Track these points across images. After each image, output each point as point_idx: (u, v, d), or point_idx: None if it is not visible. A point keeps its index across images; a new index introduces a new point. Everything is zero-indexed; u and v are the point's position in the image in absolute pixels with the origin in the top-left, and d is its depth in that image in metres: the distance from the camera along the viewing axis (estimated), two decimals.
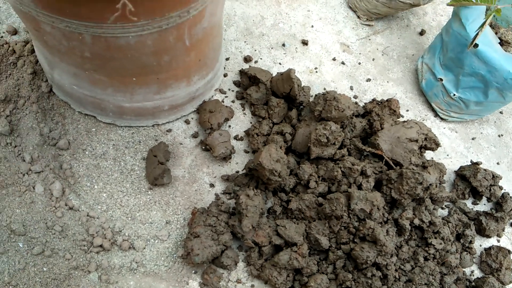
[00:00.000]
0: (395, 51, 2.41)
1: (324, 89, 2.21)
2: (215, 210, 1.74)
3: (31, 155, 1.73)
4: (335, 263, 1.74)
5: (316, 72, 2.24)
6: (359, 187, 1.80)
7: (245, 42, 2.23)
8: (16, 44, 1.87)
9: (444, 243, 1.83)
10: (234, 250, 1.77)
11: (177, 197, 1.83)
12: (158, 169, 1.78)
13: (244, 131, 2.01)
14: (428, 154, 2.13)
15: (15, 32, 1.95)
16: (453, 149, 2.21)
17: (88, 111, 1.82)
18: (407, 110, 2.25)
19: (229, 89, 2.09)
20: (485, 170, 2.01)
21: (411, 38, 2.47)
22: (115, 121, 1.84)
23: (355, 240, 1.73)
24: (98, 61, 1.45)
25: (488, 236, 2.00)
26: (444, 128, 2.26)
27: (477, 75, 1.99)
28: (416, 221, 1.80)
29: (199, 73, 1.77)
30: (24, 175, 1.71)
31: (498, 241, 2.04)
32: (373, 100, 2.10)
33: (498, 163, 2.23)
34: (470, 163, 2.14)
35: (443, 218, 1.93)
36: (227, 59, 2.16)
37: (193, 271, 1.73)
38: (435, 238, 1.83)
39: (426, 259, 1.82)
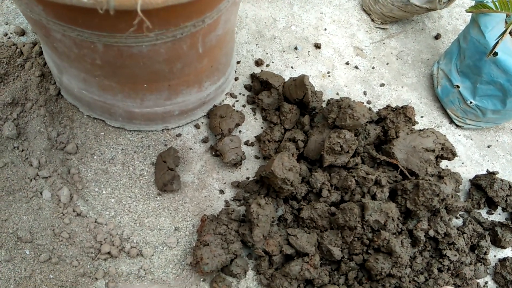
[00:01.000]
0: (410, 55, 2.36)
1: (337, 94, 2.16)
2: (225, 218, 1.71)
3: (38, 160, 1.70)
4: (348, 274, 1.70)
5: (329, 76, 2.19)
6: (373, 197, 1.76)
7: (256, 45, 2.19)
8: (24, 46, 1.84)
9: (459, 254, 1.79)
10: (244, 258, 1.73)
11: (186, 203, 1.79)
12: (167, 175, 1.74)
13: (255, 137, 1.97)
14: (443, 163, 2.08)
15: (23, 33, 1.92)
16: (468, 157, 2.16)
17: (97, 115, 1.79)
18: (422, 116, 2.20)
19: (240, 93, 2.05)
20: (501, 180, 1.97)
21: (426, 42, 2.41)
22: (124, 125, 1.80)
23: (368, 251, 1.69)
24: (109, 68, 1.42)
25: (503, 247, 1.96)
26: (459, 135, 2.21)
27: (496, 84, 1.94)
28: (431, 232, 1.75)
29: (210, 78, 1.73)
30: (31, 180, 1.68)
31: None
32: (388, 106, 2.05)
33: None
34: (485, 172, 2.09)
35: (458, 229, 1.89)
36: (238, 62, 2.12)
37: (201, 279, 1.69)
38: (450, 249, 1.79)
39: (440, 270, 1.78)
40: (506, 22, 1.89)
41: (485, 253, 1.89)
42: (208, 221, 1.70)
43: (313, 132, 1.88)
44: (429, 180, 1.70)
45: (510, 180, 2.07)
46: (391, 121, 1.95)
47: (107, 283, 1.62)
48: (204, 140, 1.91)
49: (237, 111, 1.94)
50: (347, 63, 2.25)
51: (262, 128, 2.00)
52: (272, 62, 2.16)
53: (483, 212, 2.04)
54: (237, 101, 2.03)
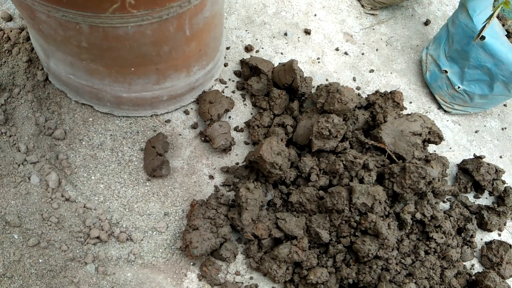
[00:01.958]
0: (399, 41, 2.36)
1: (327, 80, 2.16)
2: (214, 203, 1.72)
3: (26, 145, 1.70)
4: (335, 256, 1.72)
5: (319, 62, 2.20)
6: (361, 181, 1.77)
7: (246, 31, 2.18)
8: (11, 31, 1.82)
9: (445, 237, 1.82)
10: (233, 243, 1.75)
11: (175, 188, 1.80)
12: (156, 160, 1.75)
13: (245, 123, 1.97)
14: (431, 147, 2.09)
15: (10, 18, 1.90)
16: (456, 142, 2.18)
17: (85, 101, 1.78)
18: (410, 102, 2.21)
19: (229, 79, 2.05)
20: (488, 164, 1.99)
21: (416, 28, 2.42)
22: (112, 111, 1.80)
23: (356, 234, 1.71)
24: (96, 51, 1.41)
25: (490, 230, 1.99)
26: (447, 120, 2.23)
27: (483, 68, 1.95)
28: (418, 215, 1.78)
29: (199, 63, 1.73)
30: (19, 165, 1.67)
31: (499, 235, 2.02)
32: (376, 92, 2.06)
33: (501, 157, 2.20)
34: (473, 157, 2.11)
35: (444, 212, 1.91)
36: (227, 48, 2.11)
37: (191, 263, 1.71)
38: (437, 232, 1.81)
39: (427, 253, 1.81)
40: (493, 6, 1.90)
41: (472, 236, 1.91)
42: (198, 205, 1.71)
43: (302, 117, 1.89)
44: (416, 163, 1.71)
45: (497, 165, 2.10)
46: (380, 106, 1.96)
47: (97, 267, 1.63)
48: (194, 126, 1.92)
49: (226, 97, 1.94)
50: (337, 49, 2.26)
51: (251, 114, 2.00)
52: (262, 48, 2.16)
53: (470, 196, 2.06)
54: (226, 87, 2.03)
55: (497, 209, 1.96)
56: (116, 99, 1.71)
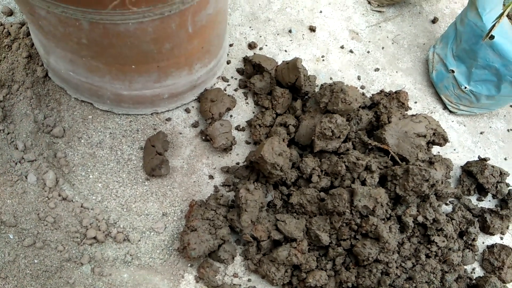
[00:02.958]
0: (406, 39, 2.32)
1: (331, 78, 2.13)
2: (213, 204, 1.70)
3: (24, 143, 1.68)
4: (335, 259, 1.71)
5: (323, 60, 2.16)
6: (363, 183, 1.75)
7: (250, 27, 2.14)
8: (11, 26, 1.80)
9: (447, 240, 1.79)
10: (231, 244, 1.73)
11: (174, 188, 1.78)
12: (156, 159, 1.72)
13: (246, 122, 1.94)
14: (435, 149, 2.06)
15: (10, 13, 1.87)
16: (461, 144, 2.14)
17: (85, 98, 1.76)
18: (415, 102, 2.17)
19: (232, 77, 2.01)
20: (492, 166, 1.96)
21: (423, 26, 2.37)
22: (112, 108, 1.77)
23: (356, 237, 1.69)
24: (96, 48, 1.38)
25: (492, 234, 1.96)
26: (453, 121, 2.19)
27: (491, 68, 1.91)
28: (420, 218, 1.75)
29: (201, 61, 1.70)
30: (16, 163, 1.66)
31: (502, 238, 2.00)
32: (381, 91, 2.02)
33: (505, 159, 2.17)
34: (477, 159, 2.08)
35: (446, 215, 1.89)
36: (230, 45, 2.07)
37: (189, 265, 1.70)
38: (438, 235, 1.79)
39: (427, 256, 1.79)
40: (504, 5, 1.85)
41: (474, 240, 1.89)
42: (197, 206, 1.69)
43: (304, 117, 1.85)
44: (419, 166, 1.69)
45: (502, 167, 2.06)
46: (384, 106, 1.93)
47: (93, 268, 1.62)
48: (194, 125, 1.89)
49: (228, 95, 1.91)
50: (342, 47, 2.21)
51: (253, 112, 1.97)
52: (266, 45, 2.12)
53: (473, 199, 2.03)
54: (229, 85, 2.00)
55: (500, 212, 1.93)
56: (116, 96, 1.69)
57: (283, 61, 1.94)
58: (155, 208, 1.73)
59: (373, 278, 1.65)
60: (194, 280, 1.66)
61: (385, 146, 1.80)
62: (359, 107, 1.91)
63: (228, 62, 2.03)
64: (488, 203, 2.04)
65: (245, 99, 1.98)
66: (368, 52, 2.23)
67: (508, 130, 2.23)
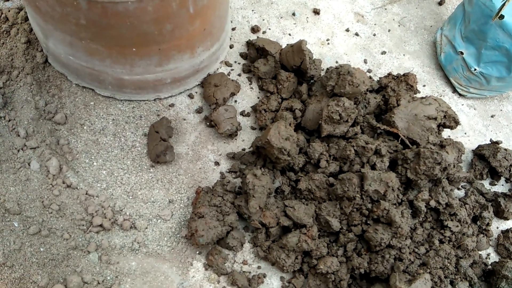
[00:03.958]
0: (413, 21, 2.27)
1: (336, 62, 2.08)
2: (220, 190, 1.66)
3: (26, 130, 1.64)
4: (346, 245, 1.66)
5: (328, 44, 2.11)
6: (373, 167, 1.70)
7: (252, 10, 2.10)
8: (9, 11, 1.76)
9: (461, 225, 1.75)
10: (240, 231, 1.69)
11: (180, 175, 1.74)
12: (160, 145, 1.68)
13: (251, 107, 1.90)
14: (445, 132, 2.02)
15: None
16: (471, 127, 2.10)
17: (86, 84, 1.72)
18: (424, 86, 2.13)
19: (235, 62, 1.97)
20: (505, 149, 1.91)
21: (430, 8, 2.32)
22: (114, 94, 1.74)
23: (367, 222, 1.65)
24: (95, 29, 1.35)
25: (506, 218, 1.92)
26: (462, 104, 2.14)
27: (501, 49, 1.87)
28: (432, 203, 1.71)
29: (203, 43, 1.66)
30: (18, 151, 1.62)
31: None
32: (389, 74, 1.98)
33: None
34: (489, 142, 2.03)
35: (459, 200, 1.84)
36: (233, 29, 2.03)
37: (197, 252, 1.66)
38: (451, 220, 1.74)
39: (441, 242, 1.74)
40: None
41: (488, 224, 1.85)
42: (203, 193, 1.65)
43: (311, 101, 1.81)
44: (431, 149, 1.64)
45: None
46: (392, 89, 1.88)
47: (100, 256, 1.58)
48: (198, 110, 1.85)
49: (232, 80, 1.87)
50: (347, 30, 2.17)
51: (258, 97, 1.93)
52: (269, 28, 2.08)
53: (486, 183, 1.99)
54: (232, 69, 1.96)
55: None
56: (117, 81, 1.65)
57: (287, 44, 1.90)
58: (161, 195, 1.69)
59: (386, 264, 1.61)
60: (203, 268, 1.63)
61: (395, 130, 1.76)
62: (367, 90, 1.86)
63: (231, 47, 1.99)
64: (501, 187, 2.00)
65: (249, 84, 1.94)
66: (374, 35, 2.19)
67: None
